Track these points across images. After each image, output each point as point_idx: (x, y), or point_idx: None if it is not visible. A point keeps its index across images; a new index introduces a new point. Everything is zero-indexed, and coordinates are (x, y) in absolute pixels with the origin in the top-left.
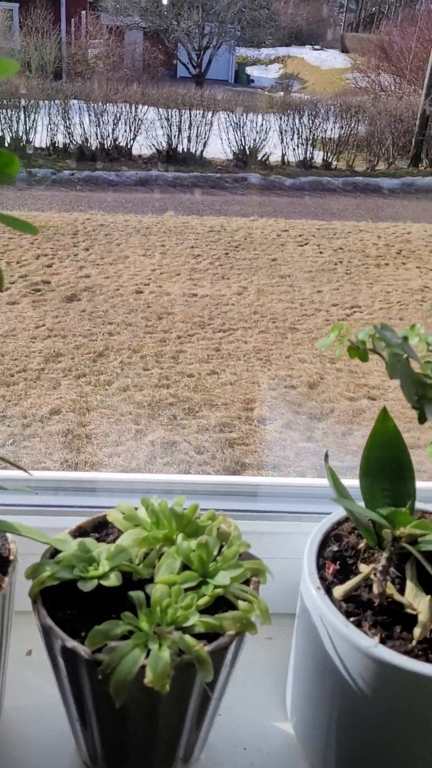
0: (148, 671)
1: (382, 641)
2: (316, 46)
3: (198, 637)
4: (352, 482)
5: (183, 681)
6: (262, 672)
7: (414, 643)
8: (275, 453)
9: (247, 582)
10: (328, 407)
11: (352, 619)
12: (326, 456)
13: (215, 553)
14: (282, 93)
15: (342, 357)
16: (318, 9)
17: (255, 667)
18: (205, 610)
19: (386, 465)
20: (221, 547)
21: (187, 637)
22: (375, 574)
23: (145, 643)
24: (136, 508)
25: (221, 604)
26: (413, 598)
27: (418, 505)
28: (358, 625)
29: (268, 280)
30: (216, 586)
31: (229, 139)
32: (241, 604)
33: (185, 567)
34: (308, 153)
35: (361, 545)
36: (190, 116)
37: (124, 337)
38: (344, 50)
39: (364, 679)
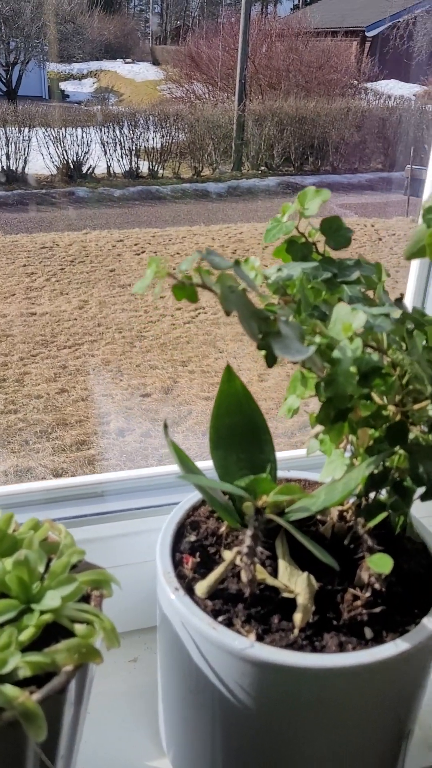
0: None
1: (259, 638)
2: (127, 60)
3: (25, 683)
4: (208, 464)
5: (9, 746)
6: (128, 702)
7: (296, 632)
8: (138, 463)
9: (86, 599)
10: (185, 410)
11: (220, 618)
12: (165, 426)
13: (41, 570)
14: (99, 106)
15: (192, 358)
16: (124, 23)
17: (119, 698)
18: (32, 645)
19: (238, 431)
20: (50, 561)
21: (7, 688)
22: (241, 558)
23: None
24: None
25: (55, 632)
26: (288, 578)
27: (281, 474)
28: (229, 624)
29: (108, 291)
30: (43, 612)
31: (50, 154)
32: (78, 628)
33: (3, 595)
34: (133, 163)
35: (223, 529)
36: (6, 133)
37: None
38: (155, 62)
39: (244, 687)
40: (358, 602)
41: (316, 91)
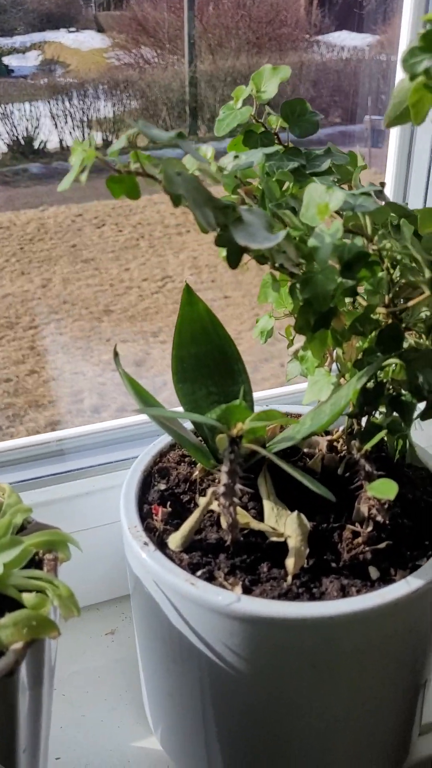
0: None
1: (247, 590)
2: (71, 29)
3: None
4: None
5: None
6: (109, 680)
7: (290, 579)
8: None
9: (39, 564)
10: (159, 381)
11: (200, 572)
12: (115, 352)
13: None
14: (46, 79)
15: (163, 328)
16: None
17: (98, 675)
18: None
19: (206, 362)
20: None
21: None
22: (218, 500)
23: None
24: None
25: (3, 605)
26: (275, 520)
27: (258, 409)
28: (210, 577)
29: (71, 267)
30: None
31: None
32: (27, 597)
33: None
34: (86, 135)
35: (196, 473)
36: None
37: None
38: (100, 30)
39: (234, 648)
40: (359, 539)
41: (268, 47)
